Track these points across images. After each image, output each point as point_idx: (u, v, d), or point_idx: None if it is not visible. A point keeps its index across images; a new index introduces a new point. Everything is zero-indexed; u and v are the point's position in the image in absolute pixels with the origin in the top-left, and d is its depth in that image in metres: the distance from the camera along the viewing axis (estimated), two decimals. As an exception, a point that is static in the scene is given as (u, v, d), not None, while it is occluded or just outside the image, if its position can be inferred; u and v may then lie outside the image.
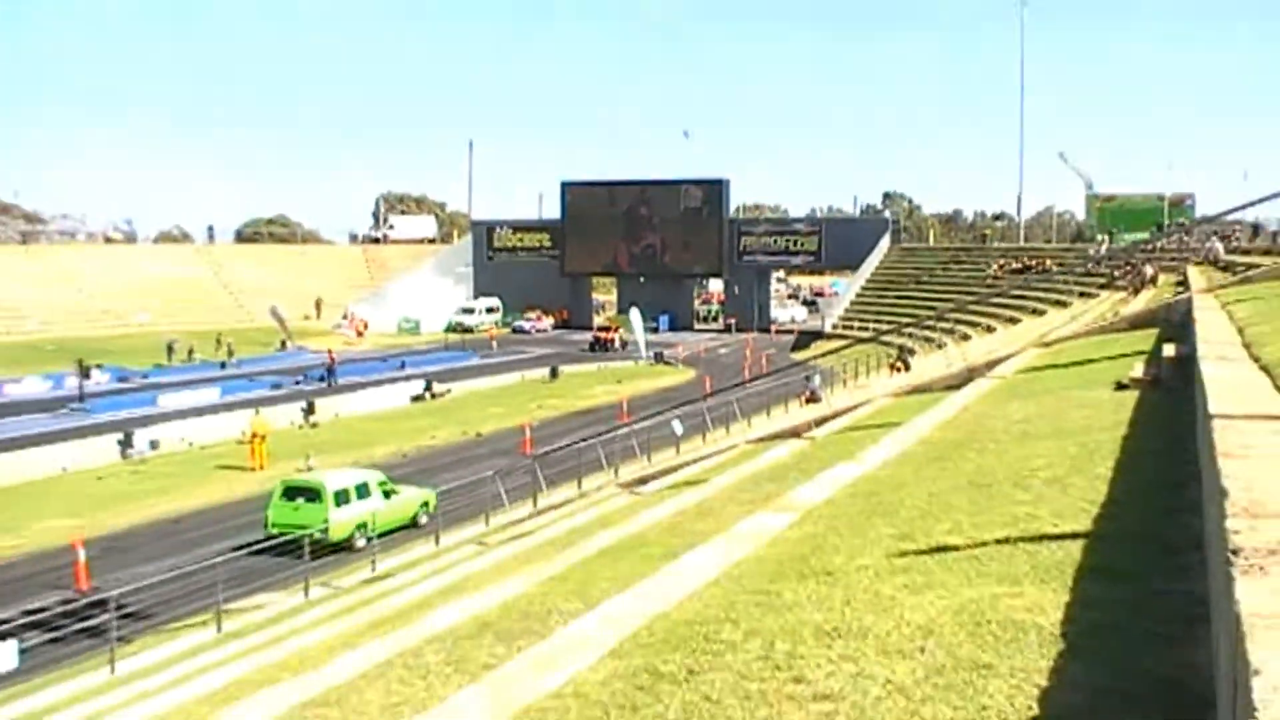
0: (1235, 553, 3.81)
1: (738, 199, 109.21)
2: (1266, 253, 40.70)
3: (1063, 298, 58.01)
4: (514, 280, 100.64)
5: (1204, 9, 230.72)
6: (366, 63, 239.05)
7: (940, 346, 58.78)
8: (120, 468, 41.12)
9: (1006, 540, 8.13)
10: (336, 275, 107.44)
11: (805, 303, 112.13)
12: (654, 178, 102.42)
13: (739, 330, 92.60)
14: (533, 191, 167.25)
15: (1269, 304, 18.89)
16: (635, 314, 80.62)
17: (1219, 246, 45.52)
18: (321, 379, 61.28)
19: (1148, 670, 5.16)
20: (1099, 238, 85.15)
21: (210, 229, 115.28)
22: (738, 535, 11.51)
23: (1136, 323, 28.67)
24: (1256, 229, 57.13)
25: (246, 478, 38.78)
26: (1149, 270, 47.83)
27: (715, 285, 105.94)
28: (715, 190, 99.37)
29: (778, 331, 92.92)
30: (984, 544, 8.20)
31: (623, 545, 16.62)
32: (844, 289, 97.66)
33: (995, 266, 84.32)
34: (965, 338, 59.99)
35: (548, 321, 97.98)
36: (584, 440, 33.59)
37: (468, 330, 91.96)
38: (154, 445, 43.58)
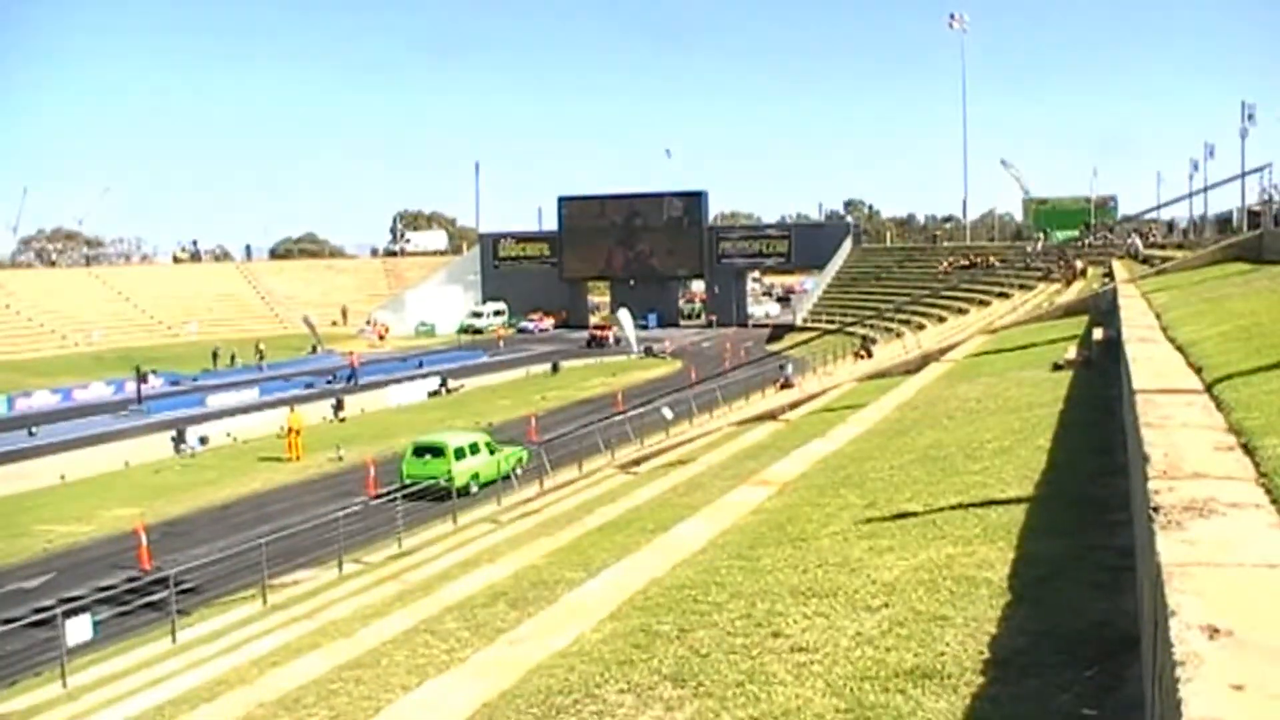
0: (1156, 510, 3.85)
1: (715, 208, 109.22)
2: (1179, 247, 40.81)
3: (1005, 290, 58.08)
4: (518, 286, 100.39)
5: (1122, 42, 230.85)
6: (383, 94, 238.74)
7: (898, 335, 58.69)
8: (174, 461, 41.09)
9: (959, 505, 8.17)
10: (360, 286, 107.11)
11: (779, 299, 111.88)
12: (641, 191, 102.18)
13: (719, 325, 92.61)
14: (532, 204, 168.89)
15: (1182, 292, 18.95)
16: (625, 314, 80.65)
17: (1139, 242, 45.57)
18: (346, 379, 61.24)
19: (1083, 614, 5.21)
20: (1035, 236, 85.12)
21: (248, 248, 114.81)
22: (722, 508, 11.55)
23: (1069, 311, 28.77)
24: (1170, 226, 57.39)
25: (284, 468, 38.77)
26: (1079, 264, 48.00)
27: (697, 286, 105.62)
28: (695, 201, 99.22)
29: (754, 326, 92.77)
30: (940, 509, 8.24)
31: (620, 520, 16.65)
32: (812, 286, 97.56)
33: (945, 263, 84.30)
34: (920, 327, 59.95)
35: (549, 322, 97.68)
36: (584, 427, 33.64)
37: (478, 331, 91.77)
38: (203, 441, 43.58)
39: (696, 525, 10.69)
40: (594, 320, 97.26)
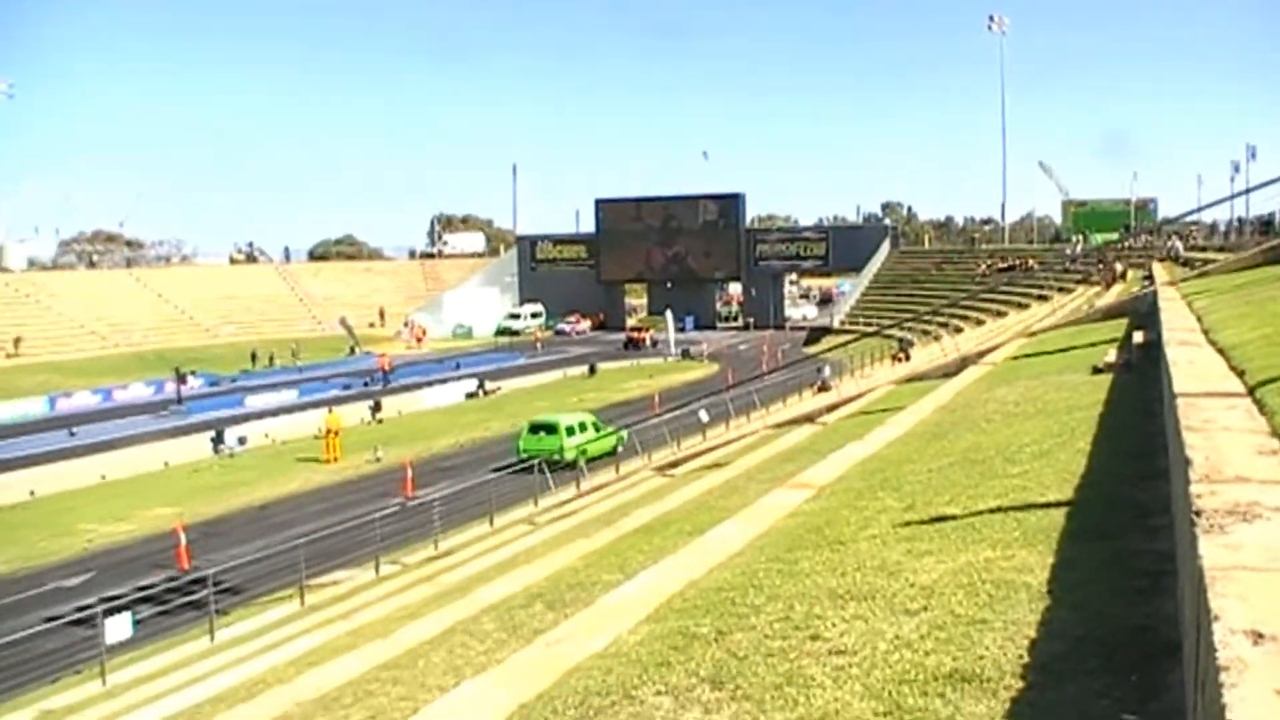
0: (1198, 514, 3.83)
1: (753, 210, 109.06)
2: (1220, 249, 40.43)
3: (1043, 293, 57.71)
4: (555, 288, 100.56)
5: (1160, 49, 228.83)
6: (421, 97, 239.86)
7: (936, 339, 58.34)
8: (213, 462, 41.46)
9: (998, 509, 8.12)
10: (397, 288, 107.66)
11: (820, 301, 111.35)
12: (678, 193, 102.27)
13: (756, 328, 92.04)
14: (569, 207, 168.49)
15: (1224, 295, 18.75)
16: (669, 315, 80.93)
17: (1179, 245, 45.23)
18: (380, 382, 61.55)
19: (1123, 619, 5.18)
20: (1074, 239, 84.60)
21: (286, 250, 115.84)
22: (759, 511, 11.53)
23: (1109, 314, 28.58)
24: (1212, 229, 56.88)
25: (322, 469, 39.02)
26: (1119, 267, 47.58)
27: (735, 288, 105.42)
28: (733, 203, 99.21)
29: (791, 328, 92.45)
30: (979, 513, 8.20)
31: (657, 522, 16.65)
32: (849, 289, 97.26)
33: (983, 266, 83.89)
34: (958, 330, 59.66)
35: (585, 324, 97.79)
36: (621, 429, 33.81)
37: (514, 334, 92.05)
38: (242, 441, 43.92)
39: (734, 528, 10.67)
40: (631, 322, 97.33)
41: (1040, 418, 12.90)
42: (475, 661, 9.99)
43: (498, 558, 20.11)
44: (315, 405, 50.70)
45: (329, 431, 40.97)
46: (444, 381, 61.15)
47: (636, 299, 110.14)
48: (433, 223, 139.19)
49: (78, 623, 20.73)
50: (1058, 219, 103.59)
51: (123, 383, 62.23)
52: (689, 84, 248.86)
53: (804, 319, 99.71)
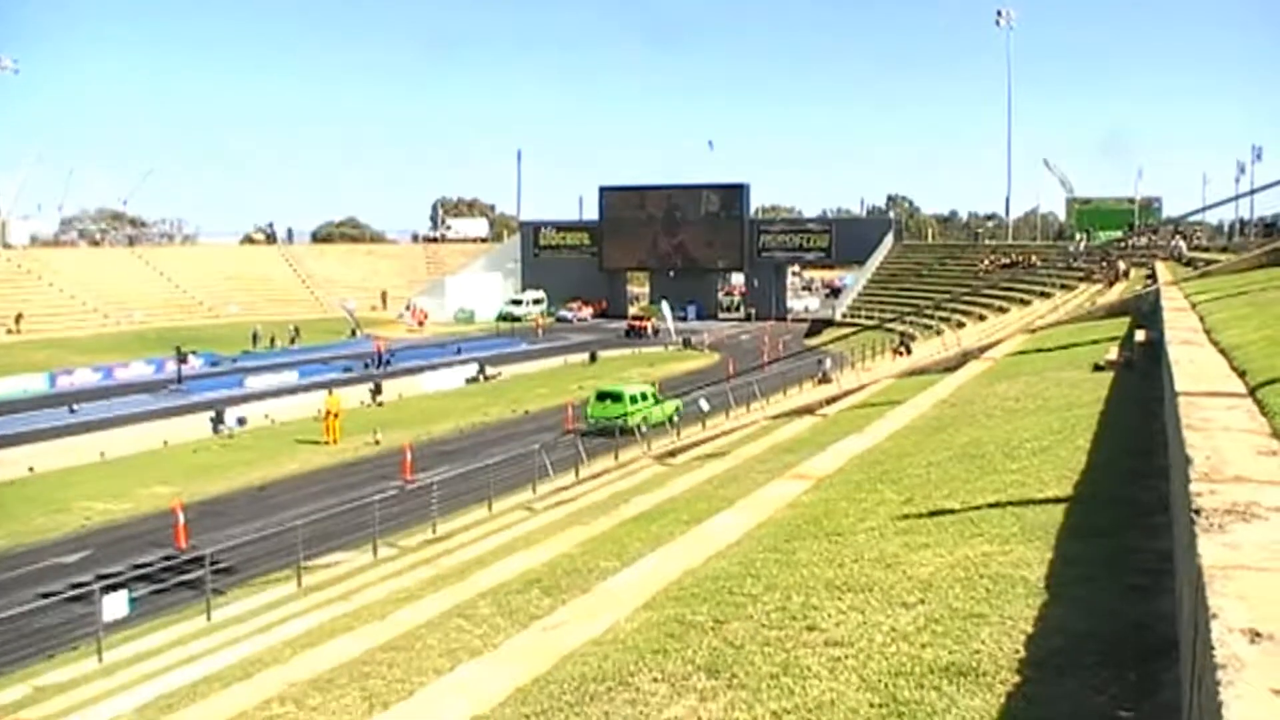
0: (1197, 513, 3.84)
1: (756, 201, 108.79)
2: (1223, 250, 40.38)
3: (1046, 289, 57.68)
4: (557, 274, 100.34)
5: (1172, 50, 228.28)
6: (426, 81, 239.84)
7: (938, 333, 58.34)
8: (212, 441, 41.44)
9: (997, 504, 8.13)
10: (400, 271, 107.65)
11: (827, 294, 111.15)
12: (682, 182, 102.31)
13: (758, 319, 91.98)
14: (573, 194, 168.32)
15: (1226, 295, 18.74)
16: (665, 305, 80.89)
17: (1183, 244, 45.17)
18: (381, 365, 61.54)
19: (1120, 616, 5.18)
20: (1078, 236, 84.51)
21: (290, 231, 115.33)
22: (758, 501, 11.53)
23: (1111, 312, 28.50)
24: (1218, 229, 56.85)
25: (321, 450, 39.07)
26: (1122, 265, 47.55)
27: (737, 279, 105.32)
28: (736, 194, 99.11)
29: (793, 320, 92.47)
30: (977, 507, 8.21)
31: (655, 510, 16.66)
32: (852, 282, 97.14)
33: (986, 261, 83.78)
34: (960, 325, 59.59)
35: (588, 311, 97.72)
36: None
37: (516, 319, 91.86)
38: (241, 422, 43.91)
39: (732, 517, 10.68)
40: (632, 311, 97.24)
41: (1040, 414, 12.90)
42: (472, 645, 9.99)
43: (496, 542, 20.10)
44: (315, 387, 50.65)
45: (329, 413, 40.99)
46: (445, 366, 61.13)
47: (639, 287, 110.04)
48: (436, 207, 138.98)
49: (74, 599, 20.78)
50: (1062, 216, 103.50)
51: (124, 361, 62.12)
52: (695, 74, 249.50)
53: (806, 311, 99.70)
